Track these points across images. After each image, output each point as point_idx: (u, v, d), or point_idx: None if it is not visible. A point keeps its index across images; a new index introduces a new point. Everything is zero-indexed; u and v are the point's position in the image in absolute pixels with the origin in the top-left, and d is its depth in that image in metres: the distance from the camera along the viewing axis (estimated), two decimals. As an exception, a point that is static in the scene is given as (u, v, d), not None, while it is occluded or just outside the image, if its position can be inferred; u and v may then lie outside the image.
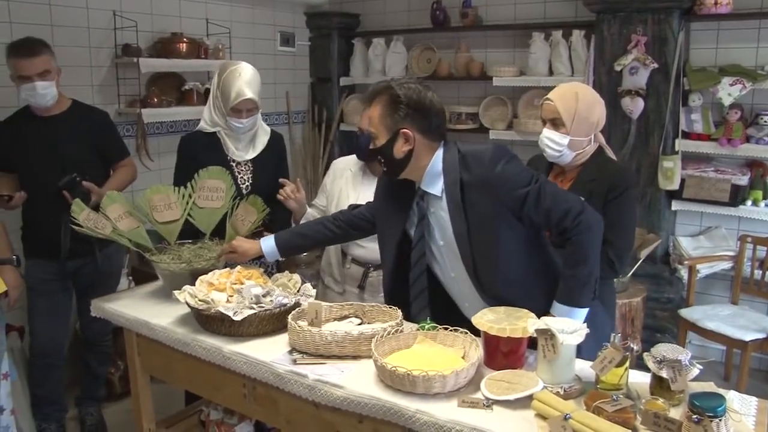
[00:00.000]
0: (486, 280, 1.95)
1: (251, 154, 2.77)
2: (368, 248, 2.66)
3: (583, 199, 1.99)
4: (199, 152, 2.70)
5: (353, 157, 2.77)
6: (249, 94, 2.60)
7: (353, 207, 2.42)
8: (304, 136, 5.30)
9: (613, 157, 2.39)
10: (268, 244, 2.33)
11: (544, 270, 2.01)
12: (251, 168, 2.77)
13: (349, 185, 2.71)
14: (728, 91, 3.65)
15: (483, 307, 1.90)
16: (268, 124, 2.90)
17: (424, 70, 4.87)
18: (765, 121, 3.67)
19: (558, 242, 2.00)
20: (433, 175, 1.96)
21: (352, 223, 2.35)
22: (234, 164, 2.73)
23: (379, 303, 2.13)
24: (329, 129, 5.23)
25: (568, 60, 4.21)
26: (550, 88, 2.36)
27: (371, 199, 2.65)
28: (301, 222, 2.66)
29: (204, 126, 2.76)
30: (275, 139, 2.86)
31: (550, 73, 4.31)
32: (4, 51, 3.20)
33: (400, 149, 1.93)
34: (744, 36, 3.77)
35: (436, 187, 1.97)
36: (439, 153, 1.96)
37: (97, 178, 2.93)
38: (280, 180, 2.66)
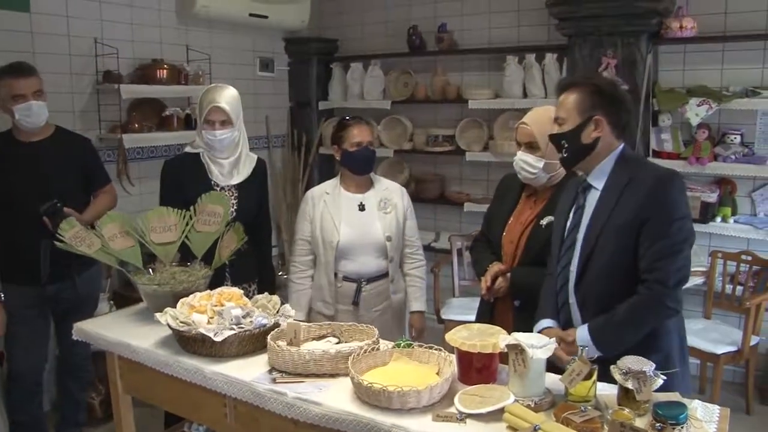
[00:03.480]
0: (589, 284, 2.00)
1: (236, 180, 2.80)
2: (358, 262, 2.73)
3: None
4: (182, 175, 2.74)
5: (325, 183, 2.89)
6: (220, 102, 2.64)
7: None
8: (283, 159, 5.36)
9: None
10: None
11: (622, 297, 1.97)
12: (235, 193, 2.79)
13: (331, 207, 2.78)
14: (695, 111, 3.76)
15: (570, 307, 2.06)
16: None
17: (402, 93, 4.94)
18: (731, 140, 3.79)
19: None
20: (603, 171, 2.02)
21: None
22: (218, 189, 2.75)
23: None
24: (308, 153, 5.29)
25: (541, 82, 4.32)
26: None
27: (353, 217, 2.74)
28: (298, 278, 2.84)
29: (188, 147, 2.81)
30: (259, 166, 2.90)
31: (525, 95, 4.41)
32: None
33: (589, 135, 1.98)
34: (709, 58, 3.90)
35: (600, 182, 2.02)
36: (617, 152, 2.01)
37: (78, 204, 2.95)
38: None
